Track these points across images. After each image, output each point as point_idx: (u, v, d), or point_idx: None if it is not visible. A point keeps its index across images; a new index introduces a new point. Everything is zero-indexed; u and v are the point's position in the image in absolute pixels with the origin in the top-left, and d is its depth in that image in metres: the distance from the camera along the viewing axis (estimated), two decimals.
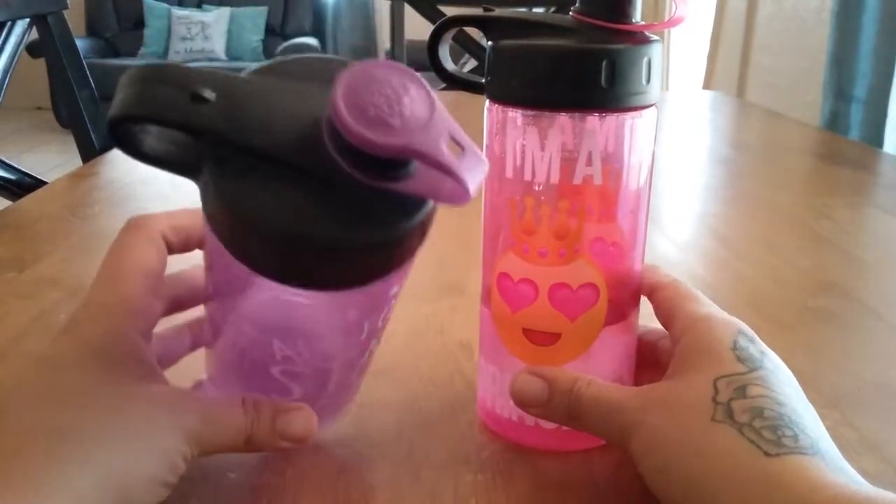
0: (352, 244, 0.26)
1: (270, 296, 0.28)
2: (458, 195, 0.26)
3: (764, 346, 0.32)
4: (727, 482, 0.27)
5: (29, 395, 0.29)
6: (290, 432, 0.32)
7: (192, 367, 0.37)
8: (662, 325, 0.36)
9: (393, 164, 0.26)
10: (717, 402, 0.29)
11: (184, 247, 0.35)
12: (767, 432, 0.27)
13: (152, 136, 0.27)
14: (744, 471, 0.26)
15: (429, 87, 0.26)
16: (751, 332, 0.33)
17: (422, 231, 0.28)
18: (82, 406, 0.28)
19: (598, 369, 0.36)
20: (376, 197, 0.26)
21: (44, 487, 0.26)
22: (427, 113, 0.25)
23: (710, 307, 0.35)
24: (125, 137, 0.27)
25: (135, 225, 0.34)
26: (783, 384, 0.30)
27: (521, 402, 0.34)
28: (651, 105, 0.34)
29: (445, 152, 0.25)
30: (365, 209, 0.26)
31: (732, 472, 0.27)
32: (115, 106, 0.26)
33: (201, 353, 0.37)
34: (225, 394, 0.35)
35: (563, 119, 0.33)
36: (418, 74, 0.26)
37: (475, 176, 0.26)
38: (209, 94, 0.25)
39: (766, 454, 0.26)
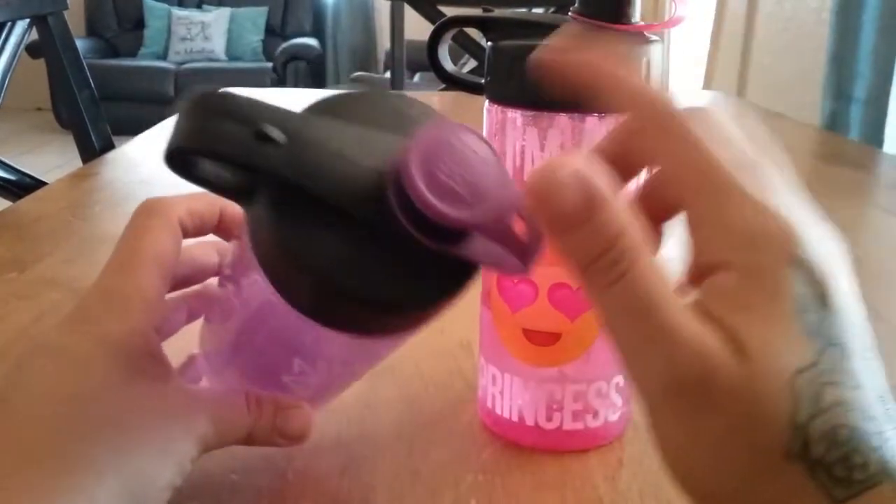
0: (402, 304, 0.26)
1: (303, 323, 0.28)
2: (515, 267, 0.25)
3: (825, 283, 0.22)
4: None
5: (46, 393, 0.28)
6: (289, 430, 0.33)
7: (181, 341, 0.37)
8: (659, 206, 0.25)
9: (456, 229, 0.25)
10: (797, 425, 0.22)
11: (198, 231, 0.34)
12: (839, 469, 0.22)
13: (207, 162, 0.27)
14: None
15: (498, 159, 0.25)
16: (809, 253, 0.22)
17: (466, 287, 0.27)
18: (100, 409, 0.28)
19: (598, 371, 0.36)
20: (432, 257, 0.25)
21: (56, 495, 0.25)
22: (498, 186, 0.25)
23: (744, 186, 0.23)
24: (179, 162, 0.26)
25: (152, 208, 0.33)
26: (853, 356, 0.23)
27: (541, 204, 0.22)
28: None
29: (511, 230, 0.24)
30: (420, 269, 0.25)
31: None
32: (176, 134, 0.25)
33: (193, 327, 0.37)
34: (226, 388, 0.35)
35: (563, 119, 0.33)
36: (490, 143, 0.25)
37: (534, 253, 0.25)
38: (276, 133, 0.24)
39: (834, 500, 0.22)
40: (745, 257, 0.22)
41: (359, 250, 0.25)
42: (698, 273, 0.23)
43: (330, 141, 0.25)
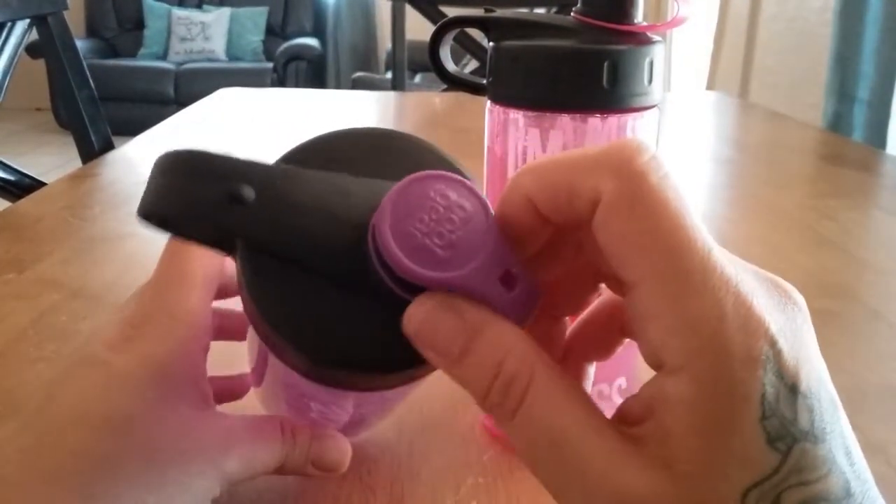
0: (383, 365, 0.24)
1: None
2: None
3: (798, 367, 0.20)
4: None
5: (80, 411, 0.27)
6: (325, 461, 0.32)
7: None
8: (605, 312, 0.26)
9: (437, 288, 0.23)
10: None
11: None
12: None
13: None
14: None
15: (488, 208, 0.22)
16: (778, 345, 0.20)
17: None
18: (129, 437, 0.27)
19: (600, 372, 0.36)
20: None
21: None
22: (481, 240, 0.22)
23: (705, 292, 0.20)
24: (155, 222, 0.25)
25: None
26: (822, 438, 0.20)
27: (421, 342, 0.22)
28: (653, 106, 0.33)
29: (495, 291, 0.22)
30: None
31: None
32: (147, 198, 0.24)
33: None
34: (262, 417, 0.33)
35: (565, 120, 0.32)
36: (479, 191, 0.23)
37: (525, 312, 0.23)
38: (248, 192, 0.23)
39: None
40: (705, 364, 0.20)
41: (337, 310, 0.23)
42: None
43: (305, 193, 0.24)
